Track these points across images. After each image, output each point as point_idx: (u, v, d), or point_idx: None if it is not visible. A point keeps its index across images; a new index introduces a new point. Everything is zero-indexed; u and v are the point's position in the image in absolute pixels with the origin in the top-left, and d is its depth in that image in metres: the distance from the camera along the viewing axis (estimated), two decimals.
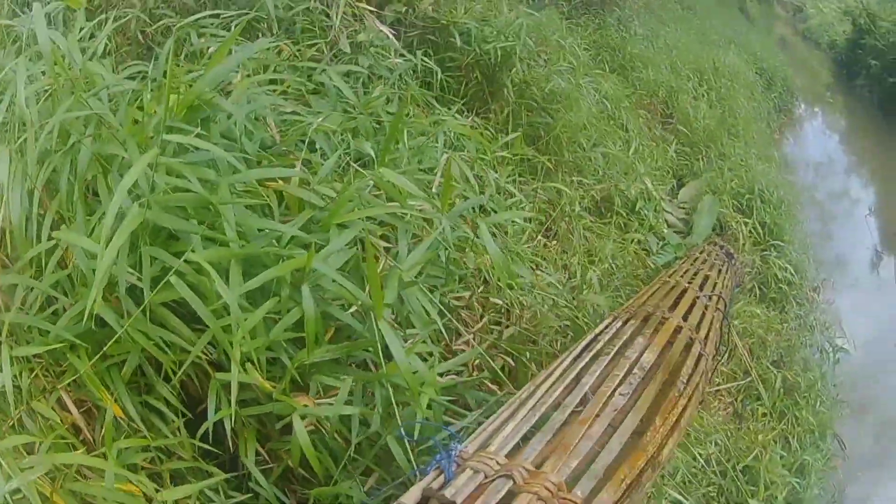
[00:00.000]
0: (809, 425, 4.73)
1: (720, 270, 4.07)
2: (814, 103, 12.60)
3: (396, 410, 2.25)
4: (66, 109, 2.32)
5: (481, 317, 3.05)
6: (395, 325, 2.50)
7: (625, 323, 2.74)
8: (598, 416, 2.07)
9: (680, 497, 3.73)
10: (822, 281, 6.15)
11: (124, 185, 2.09)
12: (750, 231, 5.49)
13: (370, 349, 2.36)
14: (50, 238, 2.30)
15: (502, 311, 3.14)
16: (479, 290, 3.03)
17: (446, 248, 2.64)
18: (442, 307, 2.62)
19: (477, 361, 2.87)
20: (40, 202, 2.37)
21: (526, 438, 2.01)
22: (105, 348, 2.24)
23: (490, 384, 2.75)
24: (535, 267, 3.36)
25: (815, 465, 4.48)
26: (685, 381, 2.48)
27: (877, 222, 7.70)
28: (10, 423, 2.24)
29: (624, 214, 4.81)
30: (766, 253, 5.48)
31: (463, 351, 2.81)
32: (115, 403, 2.33)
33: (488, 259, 2.98)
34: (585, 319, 3.55)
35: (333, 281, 2.29)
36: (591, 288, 3.50)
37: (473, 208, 3.19)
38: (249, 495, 2.48)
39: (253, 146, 2.64)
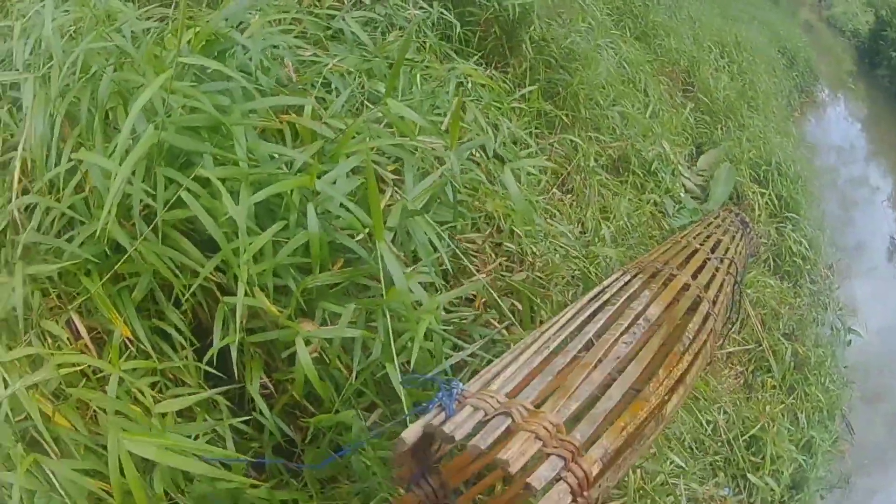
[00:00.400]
0: (818, 402, 4.70)
1: (734, 236, 4.02)
2: (836, 88, 12.47)
3: (392, 338, 2.23)
4: (89, 42, 2.32)
5: (501, 268, 3.03)
6: (402, 258, 2.49)
7: (633, 277, 2.70)
8: (599, 361, 2.03)
9: (683, 465, 3.72)
10: (837, 261, 6.11)
11: (139, 103, 2.10)
12: (766, 202, 5.45)
13: (373, 276, 2.35)
14: (69, 161, 2.31)
15: (514, 257, 3.12)
16: (491, 235, 3.00)
17: (454, 186, 2.62)
18: (451, 244, 2.60)
19: (485, 299, 2.86)
20: (61, 131, 2.37)
21: (528, 381, 1.97)
22: (116, 266, 2.24)
23: (497, 324, 2.73)
24: (548, 218, 3.33)
25: (822, 444, 4.45)
26: (691, 336, 2.44)
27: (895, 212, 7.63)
28: (21, 343, 2.26)
29: (641, 175, 4.77)
30: (781, 225, 5.43)
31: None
32: (124, 325, 2.33)
33: (500, 205, 2.97)
34: (596, 272, 3.54)
35: (340, 206, 2.28)
36: (604, 242, 3.47)
37: (487, 155, 3.17)
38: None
39: (268, 81, 2.63)
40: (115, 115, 2.37)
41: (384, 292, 2.25)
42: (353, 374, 2.31)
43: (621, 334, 2.22)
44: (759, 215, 5.30)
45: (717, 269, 3.14)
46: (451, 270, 2.57)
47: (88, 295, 2.28)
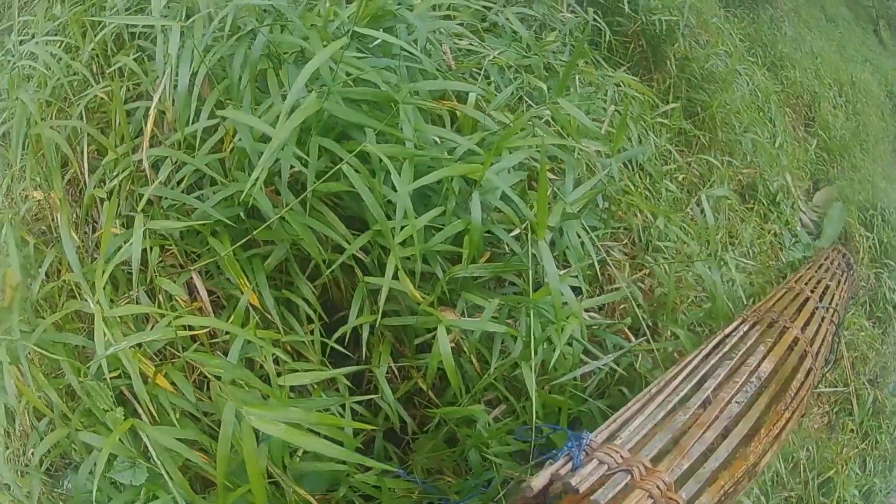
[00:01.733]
0: (885, 452, 4.52)
1: (839, 281, 3.87)
2: None
3: (534, 336, 2.10)
4: None
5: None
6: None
7: (751, 327, 2.68)
8: (713, 422, 2.07)
9: (762, 498, 3.60)
10: None
11: (310, 66, 1.95)
12: (870, 246, 5.26)
13: (518, 273, 2.26)
14: (213, 118, 2.19)
15: (649, 272, 2.98)
16: (632, 246, 2.86)
17: (607, 194, 2.47)
18: (601, 250, 2.46)
19: (623, 306, 2.72)
20: (201, 89, 2.21)
21: (652, 435, 2.00)
22: (256, 232, 2.12)
23: (630, 334, 2.58)
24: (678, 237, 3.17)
25: (878, 494, 4.29)
26: (793, 394, 2.42)
27: None
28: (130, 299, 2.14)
29: (765, 204, 4.62)
30: (880, 271, 5.24)
31: None
32: (253, 292, 2.20)
33: (640, 218, 2.82)
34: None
35: (500, 199, 2.16)
36: (728, 266, 3.31)
37: (632, 166, 3.02)
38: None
39: (431, 65, 2.48)
40: (265, 77, 2.21)
41: (531, 290, 2.12)
42: (491, 369, 2.18)
43: (736, 392, 2.23)
44: (862, 258, 5.11)
45: (822, 320, 3.10)
46: (598, 277, 2.43)
47: (214, 257, 2.17)
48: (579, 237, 2.31)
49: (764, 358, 2.44)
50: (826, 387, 4.35)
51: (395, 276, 2.11)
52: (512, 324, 2.21)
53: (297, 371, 2.17)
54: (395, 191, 2.03)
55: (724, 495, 1.92)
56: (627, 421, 2.03)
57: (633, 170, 3.03)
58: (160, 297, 2.19)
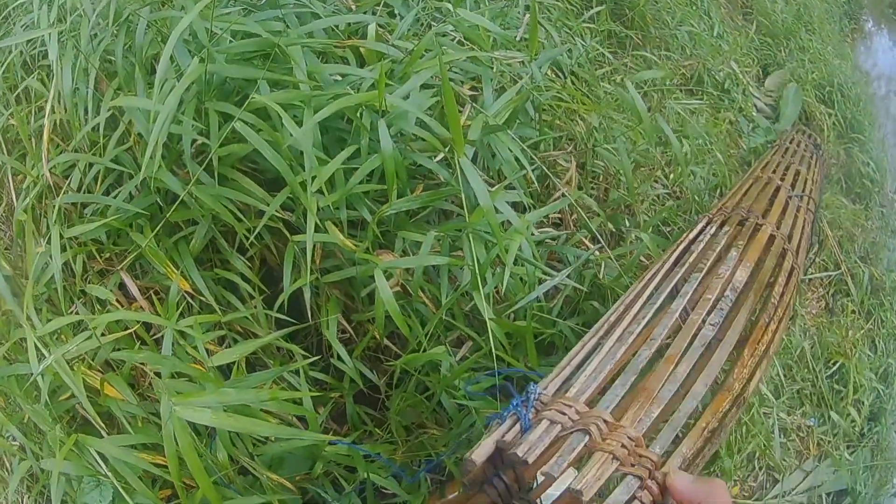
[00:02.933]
0: (893, 329, 4.40)
1: (810, 164, 3.73)
2: (879, 19, 11.94)
3: (479, 265, 1.94)
4: None
5: (579, 185, 2.73)
6: (486, 179, 2.21)
7: (719, 228, 2.42)
8: (684, 352, 1.74)
9: (772, 396, 3.49)
10: None
11: (175, 34, 1.80)
12: (833, 123, 5.12)
13: (458, 202, 2.05)
14: (109, 111, 2.05)
15: (599, 178, 2.83)
16: (574, 153, 2.70)
17: (536, 102, 2.31)
18: (538, 161, 2.29)
19: (574, 217, 2.56)
20: (97, 86, 2.12)
21: (611, 378, 1.70)
22: (167, 216, 1.98)
23: (589, 243, 2.42)
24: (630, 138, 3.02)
25: None
26: (776, 302, 2.16)
27: None
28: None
29: (715, 94, 4.45)
30: (848, 146, 5.11)
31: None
32: (182, 278, 2.06)
33: (583, 125, 2.66)
34: (681, 190, 3.31)
35: (417, 126, 1.99)
36: (687, 159, 3.17)
37: (563, 74, 2.86)
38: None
39: (326, 10, 2.32)
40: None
41: (466, 215, 1.96)
42: (443, 309, 2.02)
43: (708, 312, 1.93)
44: (828, 136, 4.97)
45: (798, 210, 2.89)
46: (538, 191, 2.26)
47: (138, 252, 2.03)
48: (511, 151, 2.13)
49: (737, 265, 2.15)
50: (816, 271, 4.24)
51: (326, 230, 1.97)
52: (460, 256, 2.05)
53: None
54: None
55: (708, 437, 1.64)
56: (583, 363, 1.74)
57: (564, 76, 2.86)
58: (97, 304, 2.07)
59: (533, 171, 2.20)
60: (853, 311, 4.25)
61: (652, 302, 1.93)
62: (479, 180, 1.86)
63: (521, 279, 2.11)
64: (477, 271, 1.90)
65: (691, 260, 2.16)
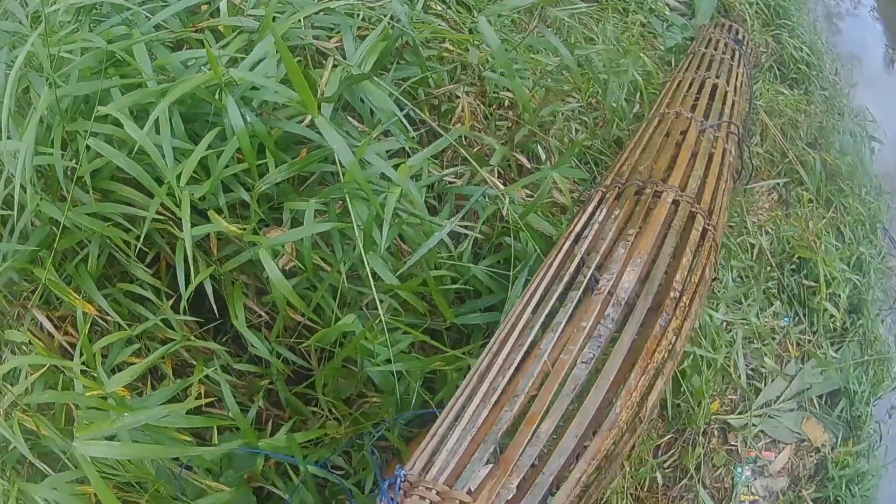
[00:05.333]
0: (859, 215, 4.30)
1: (731, 66, 3.61)
2: None
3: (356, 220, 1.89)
4: None
5: (486, 116, 2.66)
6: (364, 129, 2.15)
7: (609, 210, 2.23)
8: (548, 406, 1.63)
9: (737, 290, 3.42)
10: (840, 67, 5.68)
11: (15, 66, 1.82)
12: (756, 12, 5.02)
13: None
14: None
15: (504, 104, 2.77)
16: (472, 84, 2.62)
17: (414, 38, 2.23)
18: (408, 103, 2.22)
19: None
20: None
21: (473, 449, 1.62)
22: (55, 244, 1.94)
23: (494, 180, 2.33)
24: (533, 54, 2.93)
25: (871, 261, 4.07)
26: (679, 291, 1.96)
27: (884, 22, 7.12)
28: None
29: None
30: (777, 33, 5.02)
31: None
32: (84, 302, 2.03)
33: (474, 53, 2.57)
34: (595, 97, 3.23)
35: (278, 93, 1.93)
36: (596, 68, 3.08)
37: (448, 4, 2.78)
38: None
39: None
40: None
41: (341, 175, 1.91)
42: (343, 275, 1.97)
43: (581, 345, 1.77)
44: (752, 25, 4.87)
45: (715, 140, 2.73)
46: (437, 131, 2.19)
47: (39, 285, 2.01)
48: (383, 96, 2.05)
49: (624, 268, 1.97)
50: (762, 163, 4.15)
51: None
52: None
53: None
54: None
55: (586, 484, 1.58)
56: (444, 438, 1.65)
57: (448, 6, 2.77)
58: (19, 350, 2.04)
59: (405, 112, 2.13)
60: (810, 201, 4.16)
61: (521, 342, 1.80)
62: (336, 137, 1.81)
63: (420, 231, 2.05)
64: (359, 233, 1.85)
65: (571, 269, 1.99)
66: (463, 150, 2.18)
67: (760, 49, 4.79)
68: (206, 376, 2.08)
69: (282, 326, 2.11)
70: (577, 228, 2.15)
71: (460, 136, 2.32)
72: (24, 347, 2.03)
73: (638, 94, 3.45)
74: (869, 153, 4.96)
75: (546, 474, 1.51)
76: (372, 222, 1.86)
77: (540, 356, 1.75)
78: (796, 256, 3.78)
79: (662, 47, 4.21)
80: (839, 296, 3.77)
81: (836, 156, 4.56)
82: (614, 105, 3.22)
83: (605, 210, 2.21)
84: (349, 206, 1.86)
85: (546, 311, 1.86)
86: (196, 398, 2.04)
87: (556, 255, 2.03)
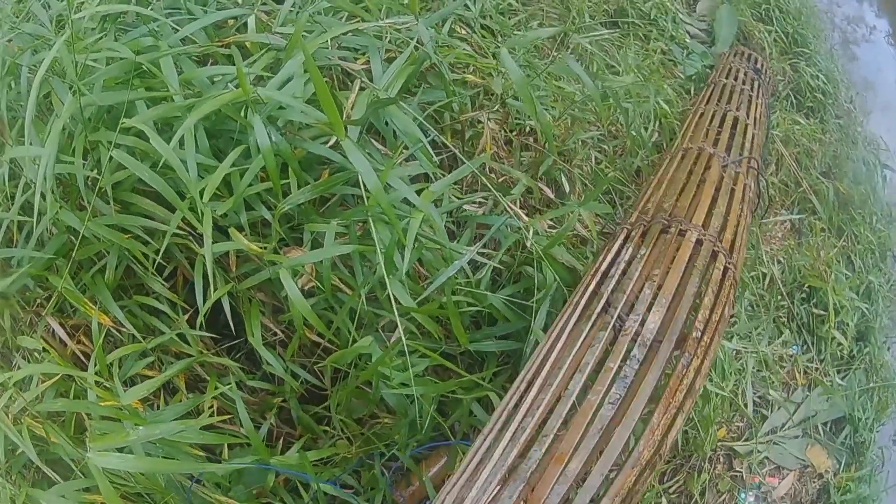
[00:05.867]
0: (869, 244, 4.28)
1: (750, 97, 3.60)
2: None
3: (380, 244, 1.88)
4: None
5: (508, 142, 2.64)
6: (388, 152, 2.15)
7: (636, 249, 2.20)
8: (576, 448, 1.62)
9: (749, 322, 3.40)
10: (855, 95, 5.67)
11: (39, 72, 1.79)
12: (774, 40, 5.00)
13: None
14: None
15: (525, 130, 2.76)
16: (496, 111, 2.61)
17: (437, 60, 2.22)
18: (431, 129, 2.20)
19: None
20: None
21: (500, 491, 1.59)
22: (73, 253, 1.94)
23: (517, 209, 2.31)
24: (555, 81, 2.92)
25: (880, 289, 4.06)
26: (700, 331, 1.95)
27: None
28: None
29: (641, 25, 4.32)
30: (794, 62, 5.01)
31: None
32: (100, 313, 2.02)
33: (497, 82, 2.56)
34: (616, 128, 3.21)
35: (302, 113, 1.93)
36: (617, 96, 3.06)
37: (472, 28, 2.77)
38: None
39: (197, 6, 2.26)
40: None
41: (365, 198, 1.90)
42: (361, 298, 1.96)
43: (608, 388, 1.76)
44: (770, 53, 4.85)
45: (736, 176, 2.71)
46: (459, 158, 2.18)
47: (57, 294, 2.02)
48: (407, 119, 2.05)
49: (649, 308, 1.95)
50: (776, 193, 4.14)
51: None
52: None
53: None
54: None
55: None
56: (473, 476, 1.64)
57: (473, 31, 2.76)
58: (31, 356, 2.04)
59: (430, 138, 2.12)
60: (822, 230, 4.15)
61: (549, 381, 1.79)
62: (362, 160, 1.80)
63: (443, 258, 2.05)
64: (381, 256, 1.85)
65: (598, 309, 1.98)
66: (486, 180, 2.18)
67: (778, 77, 4.77)
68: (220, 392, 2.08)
69: (297, 345, 2.10)
70: (604, 267, 2.13)
71: (483, 164, 2.31)
72: (36, 355, 2.03)
73: (657, 123, 3.44)
74: (881, 181, 4.95)
75: None
76: (394, 246, 1.85)
77: (568, 396, 1.74)
78: (807, 286, 3.77)
79: (682, 75, 4.18)
80: (847, 324, 3.75)
81: (850, 185, 4.55)
82: (634, 134, 3.21)
83: (630, 249, 2.20)
84: (372, 229, 1.85)
85: (574, 351, 1.85)
86: (209, 415, 2.03)
87: (583, 294, 2.02)
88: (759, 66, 4.07)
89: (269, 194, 1.99)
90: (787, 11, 5.22)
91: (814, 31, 5.42)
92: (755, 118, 3.34)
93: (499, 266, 2.25)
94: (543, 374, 1.82)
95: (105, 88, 1.97)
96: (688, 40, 4.58)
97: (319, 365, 2.14)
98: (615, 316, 1.94)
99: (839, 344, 3.68)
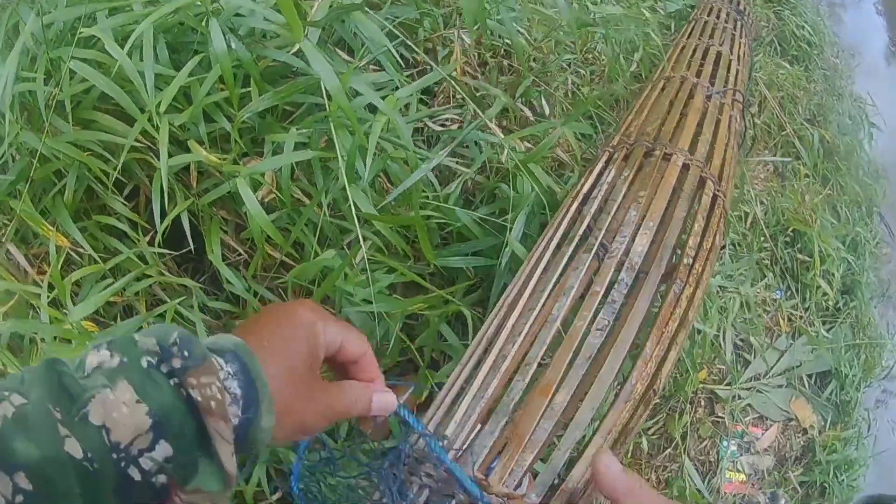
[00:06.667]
0: (856, 196, 4.27)
1: (733, 35, 3.53)
2: None
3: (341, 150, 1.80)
4: None
5: (483, 63, 2.57)
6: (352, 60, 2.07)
7: (618, 171, 2.12)
8: (563, 377, 1.52)
9: (732, 265, 3.35)
10: (840, 52, 5.63)
11: None
12: None
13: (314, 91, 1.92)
14: None
15: (500, 52, 2.68)
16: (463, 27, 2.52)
17: None
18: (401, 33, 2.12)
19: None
20: None
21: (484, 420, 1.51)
22: (32, 172, 1.86)
23: (494, 126, 2.24)
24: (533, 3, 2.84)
25: (867, 244, 4.02)
26: (692, 257, 1.87)
27: (887, 17, 7.06)
28: None
29: None
30: (779, 9, 4.96)
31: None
32: (58, 234, 1.95)
33: None
34: (592, 54, 3.17)
35: (264, 19, 1.85)
36: (597, 24, 2.99)
37: None
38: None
39: None
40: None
41: (327, 104, 1.83)
42: (324, 207, 1.88)
43: (596, 313, 1.67)
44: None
45: (721, 107, 2.63)
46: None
47: (15, 218, 1.92)
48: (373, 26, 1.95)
49: (636, 231, 1.87)
50: (760, 134, 4.08)
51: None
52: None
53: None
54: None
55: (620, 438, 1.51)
56: (452, 407, 1.54)
57: None
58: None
59: (399, 50, 2.05)
60: (806, 175, 4.11)
61: (531, 306, 1.71)
62: (322, 62, 1.71)
63: (405, 161, 1.97)
64: (342, 162, 1.77)
65: (581, 230, 1.91)
66: (459, 88, 2.10)
67: (762, 23, 4.71)
68: (179, 314, 1.99)
69: (259, 264, 2.02)
70: (585, 189, 2.06)
71: (455, 83, 2.23)
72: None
73: (636, 55, 3.36)
74: (868, 137, 4.92)
75: (561, 450, 1.42)
76: (356, 152, 1.77)
77: (552, 321, 1.66)
78: (791, 229, 3.72)
79: (663, 11, 4.10)
80: (833, 274, 3.72)
81: (835, 134, 4.51)
82: (613, 60, 3.14)
83: (613, 171, 2.12)
84: (333, 135, 1.77)
85: (557, 274, 1.77)
86: None
87: (565, 216, 1.94)
88: (741, 7, 3.98)
89: (231, 107, 1.92)
90: None
91: None
92: (738, 56, 3.26)
93: (471, 187, 2.18)
94: (524, 298, 1.74)
95: (69, 4, 1.89)
96: None
97: (281, 281, 2.06)
98: (599, 238, 1.86)
99: (824, 294, 3.64)
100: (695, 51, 3.09)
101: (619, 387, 1.57)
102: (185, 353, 0.78)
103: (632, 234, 1.87)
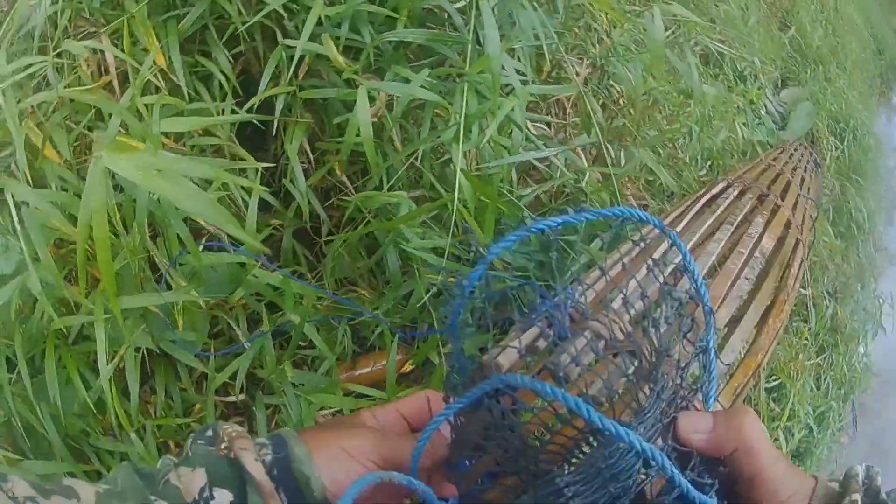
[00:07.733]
0: (842, 376, 4.30)
1: (812, 176, 3.60)
2: None
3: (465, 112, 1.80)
4: None
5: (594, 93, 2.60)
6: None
7: (740, 194, 2.28)
8: (725, 297, 1.64)
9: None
10: (883, 249, 5.68)
11: None
12: (838, 156, 5.01)
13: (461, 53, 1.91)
14: None
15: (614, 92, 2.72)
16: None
17: None
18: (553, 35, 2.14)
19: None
20: None
21: None
22: None
23: (580, 151, 2.26)
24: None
25: (833, 422, 4.06)
26: (792, 284, 2.00)
27: None
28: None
29: (730, 77, 4.31)
30: (845, 184, 5.02)
31: None
32: (160, 53, 1.92)
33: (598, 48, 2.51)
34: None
35: None
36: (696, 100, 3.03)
37: None
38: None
39: None
40: None
41: (467, 65, 1.83)
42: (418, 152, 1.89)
43: (743, 265, 1.80)
44: (829, 166, 4.86)
45: (805, 210, 2.70)
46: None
47: (121, 18, 1.89)
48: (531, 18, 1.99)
49: (763, 232, 2.01)
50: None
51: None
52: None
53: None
54: None
55: (735, 398, 1.58)
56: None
57: None
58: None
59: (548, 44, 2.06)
60: (807, 339, 4.14)
61: (685, 235, 1.81)
62: (494, 26, 1.73)
63: (505, 148, 1.98)
64: (462, 122, 1.77)
65: (718, 212, 2.03)
66: (590, 105, 2.12)
67: (826, 190, 4.77)
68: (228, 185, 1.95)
69: (321, 176, 2.03)
70: (712, 192, 2.24)
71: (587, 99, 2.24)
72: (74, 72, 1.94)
73: (709, 164, 3.41)
74: (873, 334, 4.96)
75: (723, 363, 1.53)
76: (483, 114, 1.78)
77: (709, 254, 1.77)
78: (775, 376, 3.75)
79: (744, 137, 4.16)
80: (793, 434, 3.73)
81: (847, 315, 4.55)
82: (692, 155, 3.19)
83: (734, 192, 2.28)
84: (463, 92, 1.78)
85: (710, 221, 1.93)
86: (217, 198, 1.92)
87: (693, 203, 2.09)
88: (818, 162, 4.05)
89: (370, 22, 1.92)
90: (859, 141, 5.24)
91: (874, 171, 5.43)
92: (815, 193, 3.35)
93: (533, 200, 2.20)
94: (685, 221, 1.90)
95: None
96: (763, 113, 4.57)
97: (338, 204, 2.05)
98: (735, 224, 1.99)
99: (779, 447, 3.64)
100: (786, 163, 3.16)
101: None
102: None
103: (760, 234, 2.02)
